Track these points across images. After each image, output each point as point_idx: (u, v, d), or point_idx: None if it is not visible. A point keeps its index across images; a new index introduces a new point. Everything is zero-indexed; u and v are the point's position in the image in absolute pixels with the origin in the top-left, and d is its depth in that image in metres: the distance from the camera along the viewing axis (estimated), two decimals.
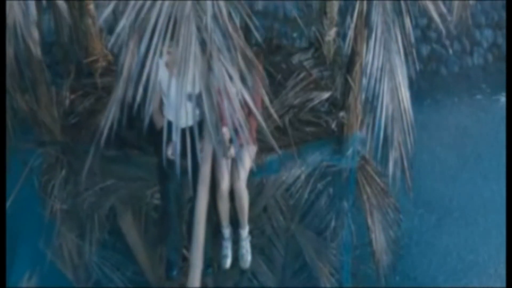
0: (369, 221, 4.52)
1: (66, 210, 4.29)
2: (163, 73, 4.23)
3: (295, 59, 5.48)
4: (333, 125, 4.66)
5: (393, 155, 3.55)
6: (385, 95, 3.36)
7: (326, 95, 4.96)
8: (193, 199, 4.45)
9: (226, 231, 4.51)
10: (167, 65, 4.19)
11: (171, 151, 4.13)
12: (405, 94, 3.46)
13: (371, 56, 3.30)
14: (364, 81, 3.38)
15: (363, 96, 3.45)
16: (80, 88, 4.93)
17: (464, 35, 8.55)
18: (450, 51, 8.43)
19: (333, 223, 4.75)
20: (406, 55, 3.36)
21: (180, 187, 4.31)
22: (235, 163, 4.28)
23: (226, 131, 4.10)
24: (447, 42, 8.46)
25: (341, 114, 4.31)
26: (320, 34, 5.47)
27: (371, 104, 3.40)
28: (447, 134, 7.23)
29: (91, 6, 5.13)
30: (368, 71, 3.33)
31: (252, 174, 4.36)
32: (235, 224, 4.54)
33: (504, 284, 4.53)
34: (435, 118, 7.53)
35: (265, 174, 4.45)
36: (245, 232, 4.52)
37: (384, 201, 4.59)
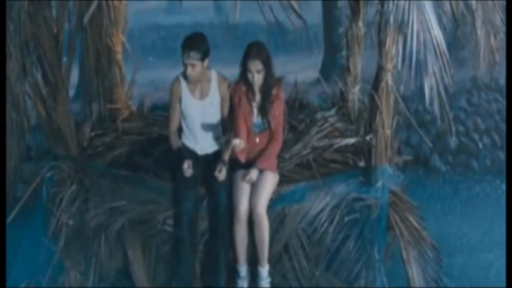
0: (404, 255, 4.04)
1: (72, 225, 3.98)
2: (184, 92, 4.18)
3: (319, 115, 5.39)
4: (361, 163, 4.40)
5: (428, 82, 3.26)
6: (415, 23, 3.17)
7: (352, 140, 4.76)
8: (208, 231, 4.13)
9: (243, 269, 4.08)
10: (188, 81, 4.13)
11: (187, 165, 3.93)
12: (438, 33, 3.26)
13: None
14: (391, 5, 3.22)
15: (391, 19, 3.27)
16: (101, 129, 4.87)
17: (494, 130, 8.43)
18: (480, 145, 8.25)
19: (363, 273, 4.27)
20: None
21: (194, 212, 4.01)
22: (255, 187, 4.01)
23: (240, 143, 3.89)
24: (476, 136, 8.31)
25: (369, 137, 4.09)
26: (345, 91, 5.43)
27: (399, 29, 3.20)
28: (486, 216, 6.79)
29: (120, 56, 5.27)
30: None
31: (272, 203, 4.06)
32: (252, 262, 4.13)
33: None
34: (470, 200, 7.15)
35: (287, 203, 4.12)
36: (264, 270, 4.07)
37: (420, 238, 4.15)
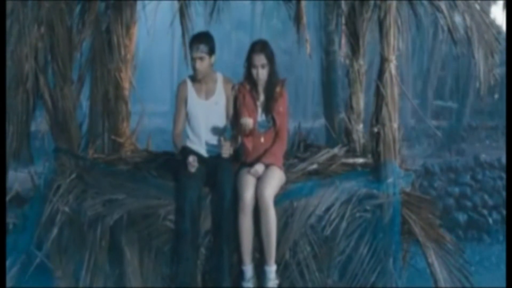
0: (425, 249, 3.72)
1: (68, 214, 3.72)
2: (190, 92, 4.20)
3: (324, 151, 5.33)
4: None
5: None
6: None
7: (360, 160, 4.67)
8: (212, 229, 3.89)
9: (248, 269, 3.77)
10: (194, 81, 4.17)
11: (192, 159, 3.83)
12: None
13: None
14: None
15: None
16: (103, 153, 4.80)
17: (502, 206, 8.25)
18: (490, 220, 8.02)
19: (380, 284, 3.93)
20: None
21: (197, 205, 3.80)
22: (261, 179, 3.86)
23: (250, 122, 3.83)
24: (485, 212, 8.12)
25: (376, 128, 4.02)
26: (350, 128, 5.42)
27: None
28: None
29: (127, 92, 5.36)
30: None
31: (280, 197, 3.88)
32: (259, 264, 3.82)
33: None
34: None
35: (294, 197, 3.92)
36: (271, 270, 3.76)
37: (438, 234, 3.87)
